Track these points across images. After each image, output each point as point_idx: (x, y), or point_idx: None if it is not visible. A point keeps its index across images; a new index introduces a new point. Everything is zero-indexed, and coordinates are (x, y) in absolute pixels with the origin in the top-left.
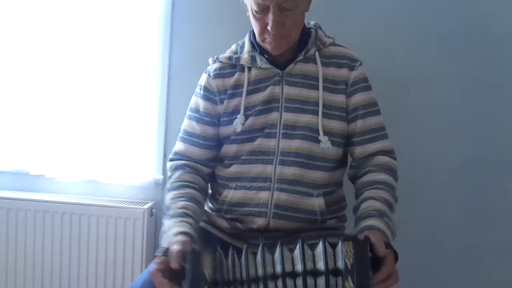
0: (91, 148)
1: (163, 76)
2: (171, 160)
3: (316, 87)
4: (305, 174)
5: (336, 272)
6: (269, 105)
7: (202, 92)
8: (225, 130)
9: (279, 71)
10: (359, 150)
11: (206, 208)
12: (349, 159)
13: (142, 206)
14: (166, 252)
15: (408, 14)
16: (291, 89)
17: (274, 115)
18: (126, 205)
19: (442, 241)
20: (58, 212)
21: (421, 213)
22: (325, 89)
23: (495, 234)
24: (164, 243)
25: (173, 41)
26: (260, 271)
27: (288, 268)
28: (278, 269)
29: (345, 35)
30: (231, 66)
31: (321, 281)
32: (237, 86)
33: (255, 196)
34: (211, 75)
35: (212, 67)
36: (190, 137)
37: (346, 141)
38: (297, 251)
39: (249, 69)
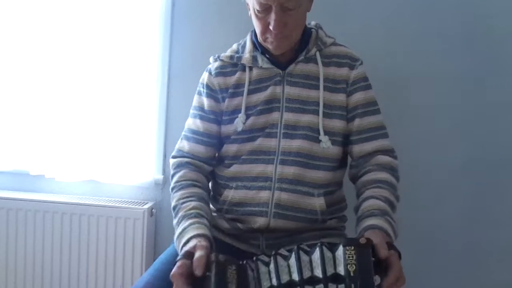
0: (91, 148)
1: (163, 76)
2: (174, 157)
3: (316, 87)
4: (305, 173)
5: (335, 278)
6: (270, 105)
7: (205, 90)
8: (226, 129)
9: (280, 71)
10: (357, 149)
11: None
12: (349, 159)
13: (142, 206)
14: (188, 256)
15: (408, 14)
16: (292, 89)
17: (275, 115)
18: (126, 205)
19: (443, 242)
20: (58, 212)
21: (422, 214)
22: (325, 88)
23: (496, 235)
24: (181, 244)
25: (173, 41)
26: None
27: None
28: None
29: (345, 35)
30: (232, 65)
31: None
32: (238, 85)
33: (256, 195)
34: (212, 73)
35: (214, 65)
36: (194, 135)
37: (347, 140)
38: (292, 259)
39: (250, 68)
